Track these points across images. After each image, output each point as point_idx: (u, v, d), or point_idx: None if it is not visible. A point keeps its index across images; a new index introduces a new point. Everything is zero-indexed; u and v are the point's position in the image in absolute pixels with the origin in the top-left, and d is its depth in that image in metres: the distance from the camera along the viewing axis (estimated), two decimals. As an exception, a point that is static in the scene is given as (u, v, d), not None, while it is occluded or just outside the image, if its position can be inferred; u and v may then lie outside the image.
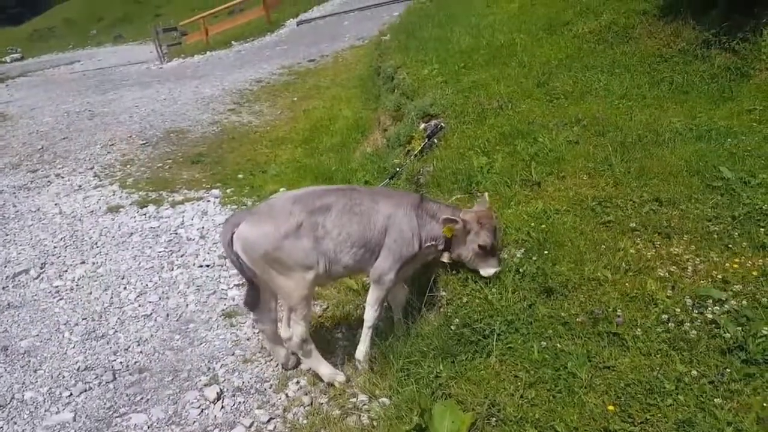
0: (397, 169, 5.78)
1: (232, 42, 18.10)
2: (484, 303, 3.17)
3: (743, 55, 5.42)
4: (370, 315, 3.30)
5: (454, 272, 3.53)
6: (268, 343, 3.44)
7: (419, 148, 5.75)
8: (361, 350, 3.36)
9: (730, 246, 3.02)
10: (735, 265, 2.85)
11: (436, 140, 5.61)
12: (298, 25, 17.76)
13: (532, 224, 3.70)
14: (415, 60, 8.26)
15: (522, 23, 8.43)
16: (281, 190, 6.53)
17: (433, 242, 3.29)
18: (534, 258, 3.35)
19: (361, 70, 10.84)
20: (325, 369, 3.29)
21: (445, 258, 3.43)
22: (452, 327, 3.07)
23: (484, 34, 8.44)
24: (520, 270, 3.29)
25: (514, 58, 7.15)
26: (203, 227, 5.86)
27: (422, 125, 6.10)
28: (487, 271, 3.28)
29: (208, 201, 6.49)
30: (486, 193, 3.63)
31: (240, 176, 7.18)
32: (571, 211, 3.77)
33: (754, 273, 2.76)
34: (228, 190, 6.74)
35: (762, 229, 3.06)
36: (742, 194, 3.42)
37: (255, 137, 8.62)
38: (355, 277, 4.04)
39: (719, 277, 2.81)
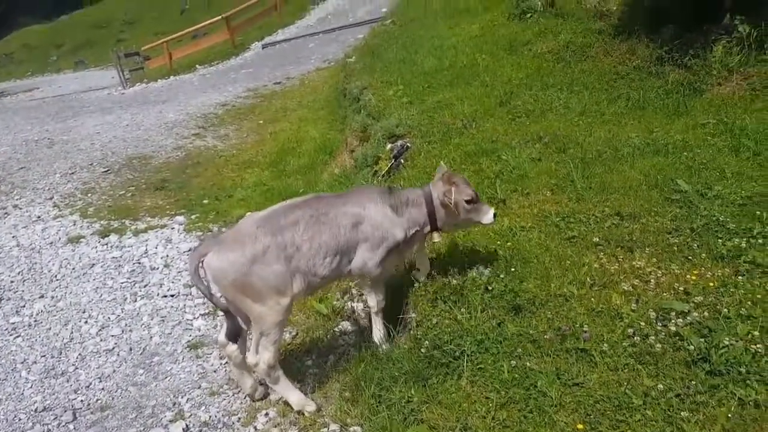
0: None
1: (197, 66, 17.96)
2: (453, 323, 3.16)
3: (695, 71, 5.63)
4: (373, 300, 3.33)
5: (423, 293, 3.51)
6: (236, 372, 3.33)
7: (386, 168, 5.76)
8: (377, 335, 3.39)
9: (690, 258, 3.09)
10: (695, 277, 2.91)
11: (402, 160, 5.64)
12: (263, 48, 17.73)
13: (499, 242, 3.73)
14: (381, 81, 8.33)
15: (484, 44, 8.60)
16: (247, 213, 6.44)
17: (418, 227, 3.30)
18: (502, 276, 3.36)
19: (328, 91, 10.86)
20: (294, 396, 3.18)
21: (436, 237, 3.45)
22: (422, 350, 3.03)
23: (447, 55, 8.58)
24: (489, 288, 3.29)
25: (476, 78, 7.28)
26: (167, 255, 5.71)
27: (389, 145, 6.13)
28: (487, 217, 3.29)
29: (173, 228, 6.34)
30: (442, 162, 3.62)
31: (205, 201, 7.05)
32: (536, 228, 3.81)
33: (714, 284, 2.82)
34: (193, 216, 6.60)
35: (720, 240, 3.15)
36: (700, 206, 3.52)
37: (220, 161, 8.50)
38: (337, 283, 3.96)
39: (681, 289, 2.86)
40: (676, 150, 4.39)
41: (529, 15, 8.78)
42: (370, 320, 3.51)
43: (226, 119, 10.72)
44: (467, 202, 3.22)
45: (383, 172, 5.73)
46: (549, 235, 3.69)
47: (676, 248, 3.19)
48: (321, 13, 19.87)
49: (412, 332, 3.33)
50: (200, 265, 2.86)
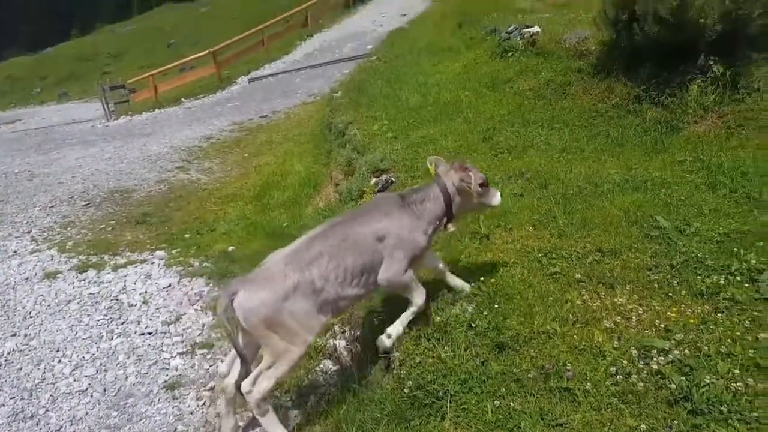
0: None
1: (182, 99, 18.03)
2: (437, 362, 3.11)
3: (672, 109, 5.78)
4: (418, 298, 3.34)
5: (407, 330, 3.47)
6: (223, 409, 3.23)
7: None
8: (397, 327, 3.36)
9: (670, 294, 3.11)
10: (676, 314, 2.92)
11: (386, 195, 5.66)
12: (249, 83, 17.89)
13: (482, 278, 3.71)
14: (366, 116, 8.43)
15: (467, 81, 8.78)
16: (230, 248, 6.39)
17: (437, 222, 3.37)
18: (485, 312, 3.34)
19: (313, 125, 10.95)
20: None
21: (451, 228, 3.53)
22: (405, 390, 2.98)
23: (431, 92, 8.73)
24: (473, 325, 3.26)
25: (460, 114, 7.40)
26: (146, 291, 5.60)
27: (373, 180, 6.16)
28: (496, 199, 3.48)
29: (153, 263, 6.25)
30: (431, 156, 3.63)
31: (187, 236, 6.97)
32: (519, 264, 3.81)
33: (694, 321, 2.83)
34: (174, 251, 6.52)
35: (699, 277, 3.17)
36: (679, 243, 3.56)
37: (203, 195, 8.46)
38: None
39: (662, 326, 2.87)
40: (655, 186, 4.47)
41: (510, 54, 8.99)
42: (352, 360, 3.45)
43: (210, 152, 10.72)
44: (480, 185, 3.34)
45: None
46: (532, 271, 3.69)
47: (656, 285, 3.21)
48: (308, 48, 20.18)
49: (395, 372, 3.28)
50: (230, 304, 2.86)
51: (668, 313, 2.94)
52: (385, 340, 3.33)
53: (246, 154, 10.22)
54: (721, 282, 3.07)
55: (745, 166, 4.44)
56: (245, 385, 3.01)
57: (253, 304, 2.85)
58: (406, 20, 18.71)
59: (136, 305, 5.37)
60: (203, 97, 17.86)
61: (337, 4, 26.45)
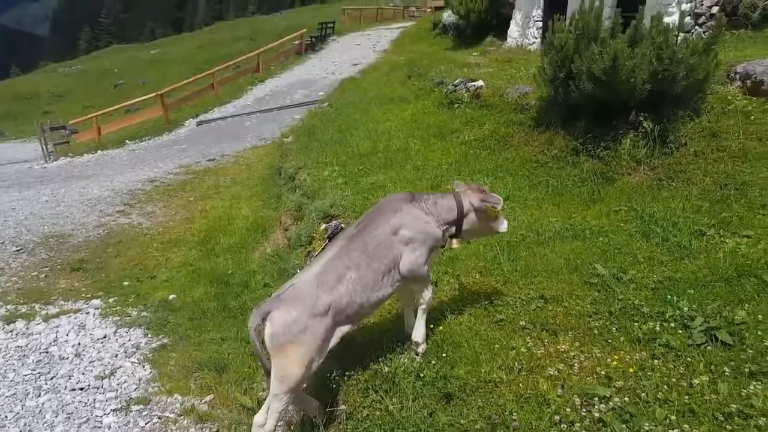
0: (298, 270, 5.68)
1: (127, 141, 17.57)
2: (385, 414, 3.06)
3: (607, 161, 6.11)
4: (427, 294, 3.43)
5: (354, 382, 3.40)
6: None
7: (320, 249, 5.73)
8: (419, 333, 3.45)
9: (610, 341, 3.21)
10: (616, 361, 3.00)
11: (335, 241, 5.64)
12: (198, 125, 17.68)
13: (431, 325, 3.72)
14: (316, 161, 8.47)
15: (416, 130, 9.00)
16: (171, 296, 6.15)
17: (446, 227, 3.44)
18: (433, 362, 3.33)
19: (263, 169, 10.88)
20: None
21: (455, 244, 3.55)
22: (352, 444, 2.90)
23: (381, 139, 8.89)
24: (421, 375, 3.24)
25: (409, 162, 7.55)
26: (79, 343, 5.27)
27: (323, 225, 6.14)
28: (504, 226, 3.56)
29: (87, 313, 5.91)
30: (456, 179, 3.86)
31: (125, 283, 6.67)
32: (466, 311, 3.85)
33: (633, 368, 2.92)
34: (111, 300, 6.20)
35: (636, 324, 3.30)
36: (616, 290, 3.70)
37: (145, 240, 8.16)
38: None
39: (603, 373, 2.94)
40: (593, 235, 4.67)
41: (456, 105, 9.33)
42: (324, 397, 3.37)
43: (154, 196, 10.41)
44: (494, 210, 3.47)
45: (317, 253, 5.69)
46: (479, 318, 3.74)
47: (596, 332, 3.31)
48: (259, 93, 20.24)
49: (341, 426, 3.19)
50: (262, 323, 2.92)
51: (608, 360, 3.03)
52: (418, 348, 3.45)
53: (192, 198, 9.99)
54: (657, 328, 3.20)
55: (675, 216, 4.72)
56: (259, 419, 3.07)
57: (285, 321, 2.91)
58: (357, 69, 19.16)
59: (67, 358, 5.03)
60: (149, 139, 17.47)
61: (290, 52, 26.87)
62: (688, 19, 10.49)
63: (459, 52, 17.28)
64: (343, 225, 5.76)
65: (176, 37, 59.92)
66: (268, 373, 3.05)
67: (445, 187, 6.43)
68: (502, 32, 18.60)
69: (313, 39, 27.89)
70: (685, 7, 10.69)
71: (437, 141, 8.27)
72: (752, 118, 5.72)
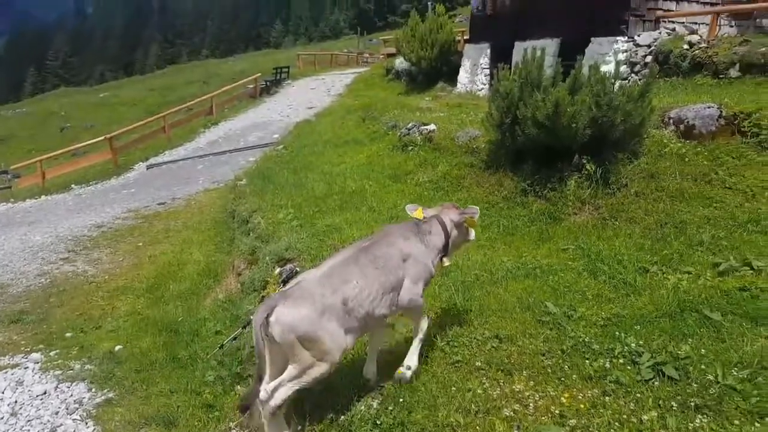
0: (251, 317, 5.54)
1: (72, 185, 16.96)
2: (341, 465, 2.96)
3: (554, 202, 6.34)
4: (423, 324, 3.53)
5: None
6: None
7: (275, 293, 5.63)
8: (413, 358, 3.51)
9: (562, 379, 3.25)
10: (568, 399, 3.04)
11: (290, 285, 5.55)
12: (148, 169, 17.28)
13: (389, 370, 3.68)
14: (271, 204, 8.40)
15: (371, 172, 9.12)
16: (117, 347, 5.86)
17: (438, 254, 3.62)
18: (390, 408, 3.28)
19: (215, 213, 10.68)
20: None
21: (447, 262, 3.73)
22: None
23: (336, 181, 8.95)
24: (378, 422, 3.19)
25: (364, 203, 7.60)
26: (16, 401, 4.90)
27: (277, 269, 6.04)
28: (473, 234, 3.89)
29: (26, 368, 5.53)
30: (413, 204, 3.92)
31: (68, 335, 6.31)
32: (422, 354, 3.83)
33: (585, 405, 2.96)
34: (52, 353, 5.84)
35: (587, 361, 3.36)
36: (567, 328, 3.78)
37: (90, 288, 7.79)
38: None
39: (557, 411, 2.96)
40: (544, 273, 4.78)
41: (410, 148, 9.53)
42: None
43: (100, 242, 10.02)
44: (470, 222, 3.77)
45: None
46: (435, 360, 3.72)
47: (549, 370, 3.35)
48: (212, 136, 20.06)
49: (296, 479, 3.06)
50: (267, 319, 2.92)
51: (562, 398, 3.06)
52: (405, 374, 3.48)
53: (140, 244, 9.67)
54: (607, 365, 3.27)
55: (620, 254, 4.91)
56: (263, 393, 3.03)
57: (292, 319, 2.92)
58: (312, 113, 19.35)
59: (2, 418, 4.67)
60: (96, 183, 16.94)
61: (244, 95, 26.95)
62: (624, 67, 11.24)
63: (412, 97, 17.78)
64: (298, 268, 5.69)
65: (127, 80, 59.24)
66: (259, 370, 3.08)
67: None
68: (452, 78, 19.34)
69: (268, 83, 28.11)
70: (621, 56, 11.46)
71: (392, 183, 8.39)
72: (686, 160, 6.09)
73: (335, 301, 3.04)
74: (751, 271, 4.09)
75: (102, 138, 19.56)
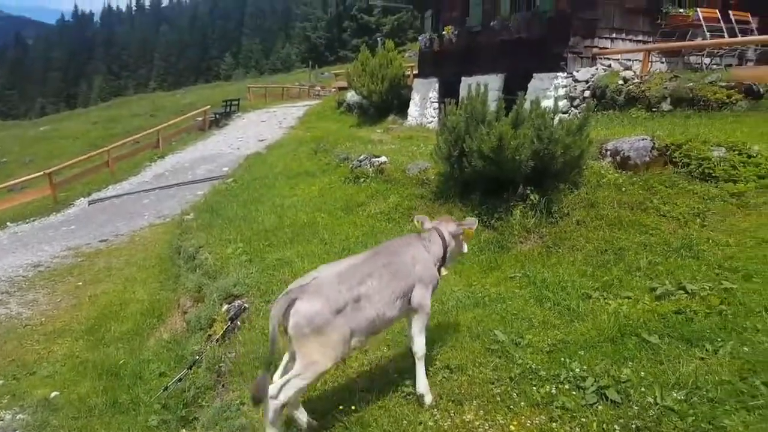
0: (197, 357, 5.35)
1: (8, 223, 16.04)
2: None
3: (501, 231, 6.50)
4: (420, 344, 3.55)
5: None
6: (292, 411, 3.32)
7: (221, 331, 5.47)
8: (422, 383, 3.52)
9: (511, 407, 3.29)
10: (517, 426, 3.08)
11: (239, 322, 5.42)
12: (90, 205, 16.60)
13: (342, 406, 3.62)
14: (219, 239, 8.24)
15: (323, 204, 9.12)
16: (53, 394, 5.52)
17: (438, 263, 3.75)
18: (341, 445, 3.21)
19: (161, 249, 10.34)
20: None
21: (444, 272, 3.88)
22: None
23: (288, 214, 8.89)
24: (329, 460, 3.11)
25: (316, 236, 7.57)
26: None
27: (225, 306, 5.90)
28: (466, 247, 4.03)
29: (-53, 421, 5.13)
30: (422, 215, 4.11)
31: (-1, 382, 5.92)
32: (375, 387, 3.80)
33: (533, 433, 3.00)
34: (-21, 403, 5.45)
35: (534, 388, 3.42)
36: (515, 355, 3.84)
37: (25, 332, 7.33)
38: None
39: (507, 440, 2.99)
40: (492, 302, 4.87)
41: (362, 180, 9.62)
42: None
43: (36, 282, 9.49)
44: (467, 234, 3.93)
45: (218, 336, 5.42)
46: (387, 393, 3.69)
47: (499, 398, 3.39)
48: (159, 170, 19.54)
49: None
50: (288, 309, 3.03)
51: (510, 426, 3.09)
52: (424, 400, 3.51)
53: (80, 283, 9.22)
54: (553, 391, 3.33)
55: (564, 281, 5.06)
56: (272, 390, 3.10)
57: (311, 312, 3.03)
58: (263, 145, 19.24)
59: None
60: (34, 220, 16.11)
61: (193, 127, 26.54)
62: (565, 102, 11.79)
63: (363, 129, 18.02)
64: (246, 305, 5.57)
65: (69, 113, 57.33)
66: (268, 367, 3.13)
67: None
68: (403, 111, 19.75)
69: (217, 115, 27.83)
70: (562, 91, 12.03)
71: (344, 214, 8.41)
72: (623, 189, 6.40)
73: (350, 299, 3.16)
74: (686, 295, 4.29)
75: (41, 173, 18.72)
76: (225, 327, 5.43)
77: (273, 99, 36.67)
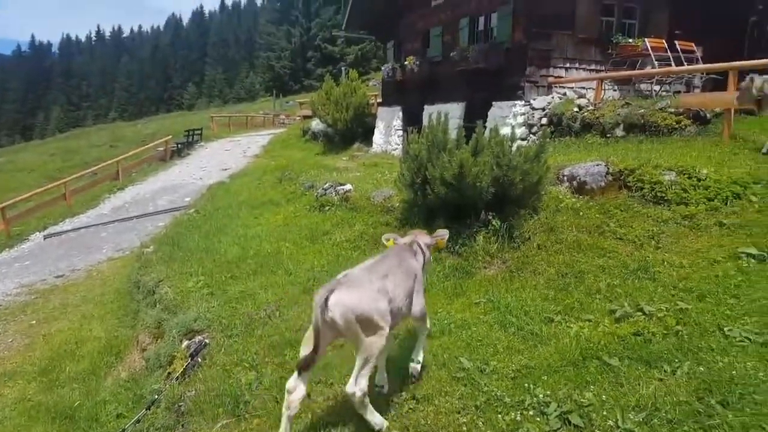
0: (156, 396, 5.15)
1: (-44, 259, 15.37)
2: None
3: (466, 257, 6.55)
4: (426, 327, 4.07)
5: None
6: (286, 423, 3.40)
7: (181, 369, 5.30)
8: (420, 353, 4.07)
9: (477, 437, 3.27)
10: (484, 457, 3.05)
11: (200, 359, 5.26)
12: (45, 239, 15.99)
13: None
14: (180, 272, 8.04)
15: (287, 233, 9.03)
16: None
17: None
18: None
19: (120, 283, 10.01)
20: (377, 419, 3.50)
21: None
22: None
23: (251, 244, 8.76)
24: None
25: (280, 266, 7.47)
26: None
27: (185, 343, 5.73)
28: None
29: None
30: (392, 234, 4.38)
31: (-60, 432, 5.55)
32: (340, 422, 3.73)
33: (500, 463, 2.98)
34: None
35: (499, 415, 3.41)
36: (481, 382, 3.84)
37: (-29, 375, 6.96)
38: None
39: (473, 471, 2.96)
40: (458, 329, 4.87)
41: (327, 208, 9.61)
42: None
43: (-14, 322, 9.05)
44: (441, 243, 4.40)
45: (178, 374, 5.24)
46: (351, 429, 3.62)
47: (465, 428, 3.37)
48: (118, 202, 19.03)
49: None
50: (327, 300, 3.26)
51: (477, 457, 3.06)
52: (416, 367, 4.03)
53: (33, 322, 8.82)
54: (518, 418, 3.34)
55: (527, 305, 5.11)
56: (350, 389, 3.36)
57: (353, 300, 3.31)
58: (227, 174, 19.03)
59: None
60: (-16, 256, 15.44)
61: (154, 158, 26.09)
62: (523, 129, 12.13)
63: (329, 157, 18.06)
64: (207, 340, 5.42)
65: (25, 144, 55.70)
66: (315, 350, 3.33)
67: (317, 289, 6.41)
68: (368, 138, 19.95)
69: (180, 145, 27.46)
70: (520, 119, 12.38)
71: (309, 243, 8.34)
72: (581, 213, 6.57)
73: (381, 287, 3.49)
74: (644, 316, 4.40)
75: (-8, 208, 18.01)
76: (185, 364, 5.26)
77: (237, 128, 36.46)
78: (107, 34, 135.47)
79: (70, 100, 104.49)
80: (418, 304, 3.91)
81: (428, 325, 4.10)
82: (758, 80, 7.76)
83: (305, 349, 3.42)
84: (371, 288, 3.45)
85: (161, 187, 19.63)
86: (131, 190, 20.55)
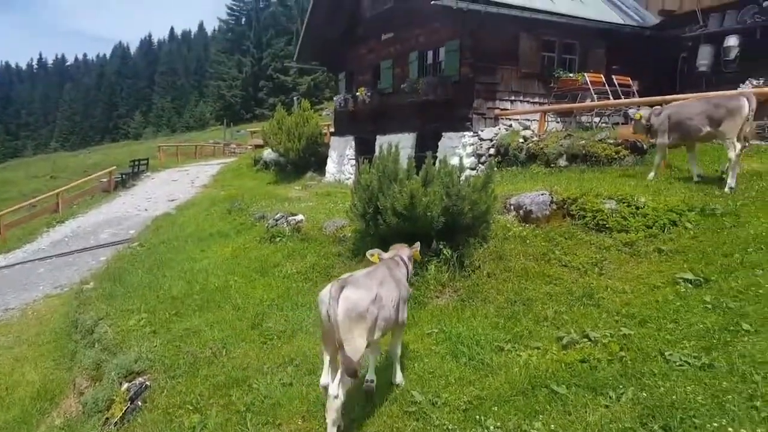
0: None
1: None
2: None
3: (418, 287, 6.54)
4: (398, 350, 4.39)
5: None
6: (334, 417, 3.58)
7: (120, 413, 5.01)
8: (399, 375, 4.40)
9: (430, 474, 3.21)
10: (436, 495, 2.99)
11: (140, 402, 4.99)
12: (-24, 276, 15.07)
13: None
14: (121, 309, 7.69)
15: (236, 266, 8.80)
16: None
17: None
18: None
19: (56, 323, 9.43)
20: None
21: None
22: None
23: (198, 279, 8.49)
24: None
25: (228, 301, 7.25)
26: None
27: (125, 385, 5.44)
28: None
29: None
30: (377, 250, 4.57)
31: None
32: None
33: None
34: None
35: (451, 451, 3.37)
36: (433, 416, 3.80)
37: None
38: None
39: None
40: (410, 361, 4.82)
41: (278, 239, 9.43)
42: None
43: None
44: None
45: (117, 419, 4.94)
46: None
47: (417, 465, 3.30)
48: (57, 236, 18.09)
49: None
50: (338, 295, 3.48)
51: (428, 496, 3.00)
52: (399, 380, 4.37)
53: (-42, 367, 8.18)
54: (469, 453, 3.30)
55: (478, 334, 5.13)
56: (333, 390, 3.52)
57: (358, 298, 3.54)
58: (174, 205, 18.51)
59: None
60: None
61: (96, 189, 25.12)
62: (473, 159, 12.41)
63: (281, 186, 17.90)
64: (148, 383, 5.16)
65: (-45, 175, 52.60)
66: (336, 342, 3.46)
67: (267, 325, 6.26)
68: (321, 168, 19.93)
69: (124, 176, 26.62)
70: (469, 149, 12.68)
71: (259, 276, 8.15)
72: (528, 241, 6.71)
73: (378, 293, 3.70)
74: (589, 343, 4.49)
75: None
76: (124, 408, 4.97)
77: (185, 157, 35.74)
78: (50, 62, 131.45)
79: (8, 130, 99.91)
80: (403, 313, 4.20)
81: (400, 347, 4.41)
82: (645, 112, 8.32)
83: (329, 350, 3.64)
84: (372, 292, 3.69)
85: (104, 220, 18.87)
86: (72, 223, 19.63)
